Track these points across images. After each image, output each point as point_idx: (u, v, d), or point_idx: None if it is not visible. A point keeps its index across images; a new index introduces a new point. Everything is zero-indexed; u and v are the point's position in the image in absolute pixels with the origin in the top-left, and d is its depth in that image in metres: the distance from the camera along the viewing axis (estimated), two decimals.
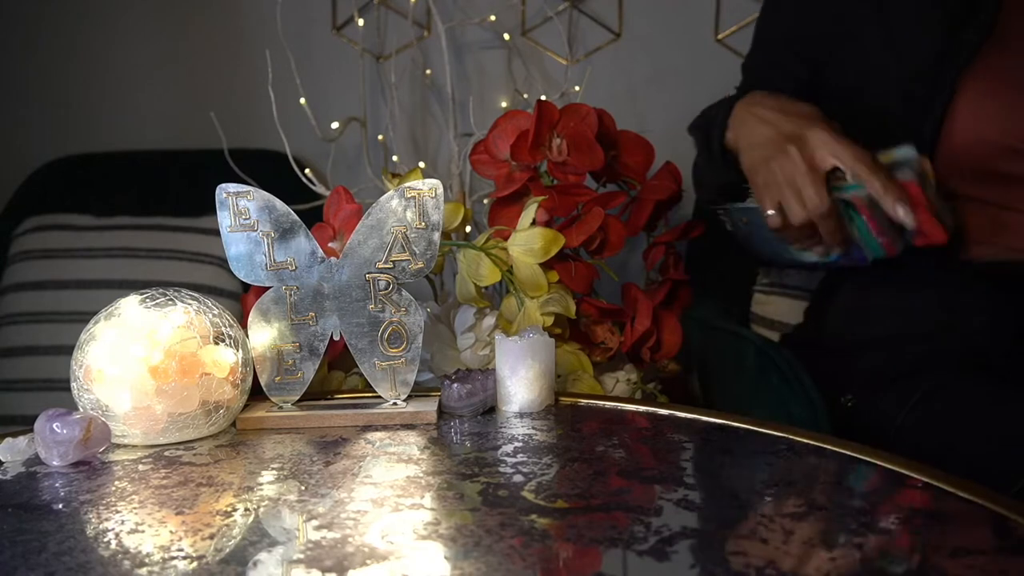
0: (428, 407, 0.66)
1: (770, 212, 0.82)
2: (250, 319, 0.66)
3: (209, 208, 0.70)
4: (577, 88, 1.30)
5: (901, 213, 0.76)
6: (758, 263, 1.06)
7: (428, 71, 1.41)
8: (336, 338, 0.67)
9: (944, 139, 0.84)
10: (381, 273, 0.67)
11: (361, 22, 1.37)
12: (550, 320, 0.80)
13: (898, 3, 0.88)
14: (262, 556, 0.42)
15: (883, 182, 0.76)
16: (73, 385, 0.61)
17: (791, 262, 0.89)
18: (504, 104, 1.38)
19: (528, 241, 0.79)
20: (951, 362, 0.83)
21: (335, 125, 1.32)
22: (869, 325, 0.89)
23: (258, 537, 0.44)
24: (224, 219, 0.65)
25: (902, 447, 0.78)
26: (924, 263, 0.84)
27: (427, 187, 0.66)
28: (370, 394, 0.71)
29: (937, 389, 0.82)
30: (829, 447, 0.57)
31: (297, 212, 0.66)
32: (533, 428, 0.63)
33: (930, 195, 0.79)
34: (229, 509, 0.48)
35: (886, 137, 0.84)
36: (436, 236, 0.67)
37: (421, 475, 0.53)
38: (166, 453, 0.59)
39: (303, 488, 0.51)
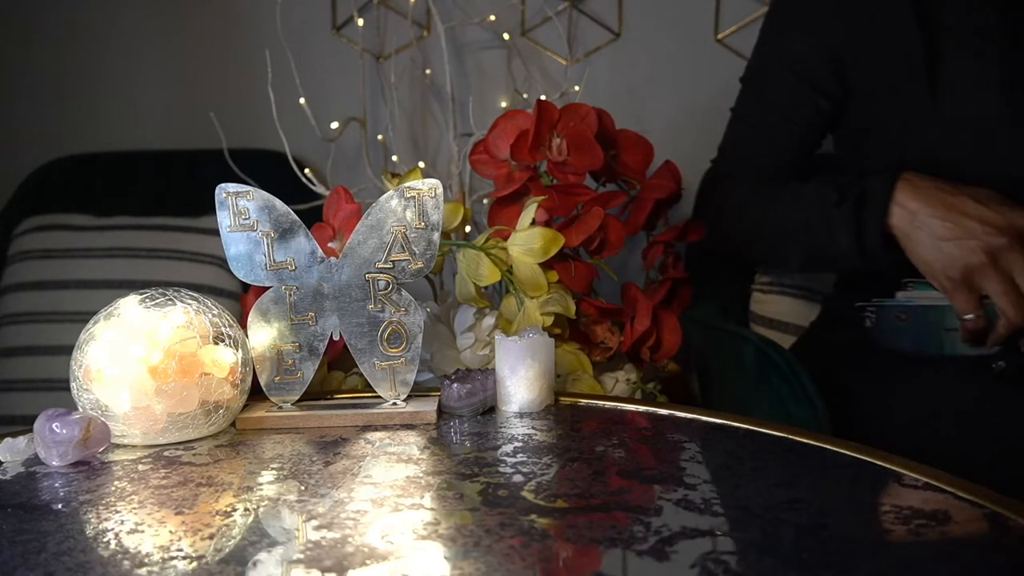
0: (428, 407, 0.66)
1: (968, 316, 0.75)
2: (250, 319, 0.66)
3: (209, 208, 0.70)
4: (577, 88, 1.30)
5: None
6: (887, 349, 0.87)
7: (428, 71, 1.41)
8: (336, 338, 0.67)
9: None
10: (381, 273, 0.67)
11: (361, 22, 1.37)
12: (550, 320, 0.80)
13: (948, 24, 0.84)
14: (262, 556, 0.42)
15: None
16: (73, 385, 0.61)
17: (945, 356, 0.81)
18: (504, 104, 1.38)
19: (528, 241, 0.79)
20: (955, 362, 0.82)
21: (335, 125, 1.32)
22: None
23: (258, 537, 0.44)
24: (224, 219, 0.65)
25: (902, 446, 0.77)
26: None
27: (427, 187, 0.66)
28: (370, 394, 0.71)
29: (940, 390, 0.82)
30: (829, 447, 0.57)
31: (297, 212, 0.66)
32: (533, 428, 0.63)
33: None
34: (229, 509, 0.48)
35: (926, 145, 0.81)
36: (436, 236, 0.67)
37: (421, 475, 0.53)
38: (166, 453, 0.59)
39: (303, 488, 0.51)
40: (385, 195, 0.67)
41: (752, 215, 0.95)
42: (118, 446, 0.61)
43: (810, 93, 0.93)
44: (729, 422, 0.63)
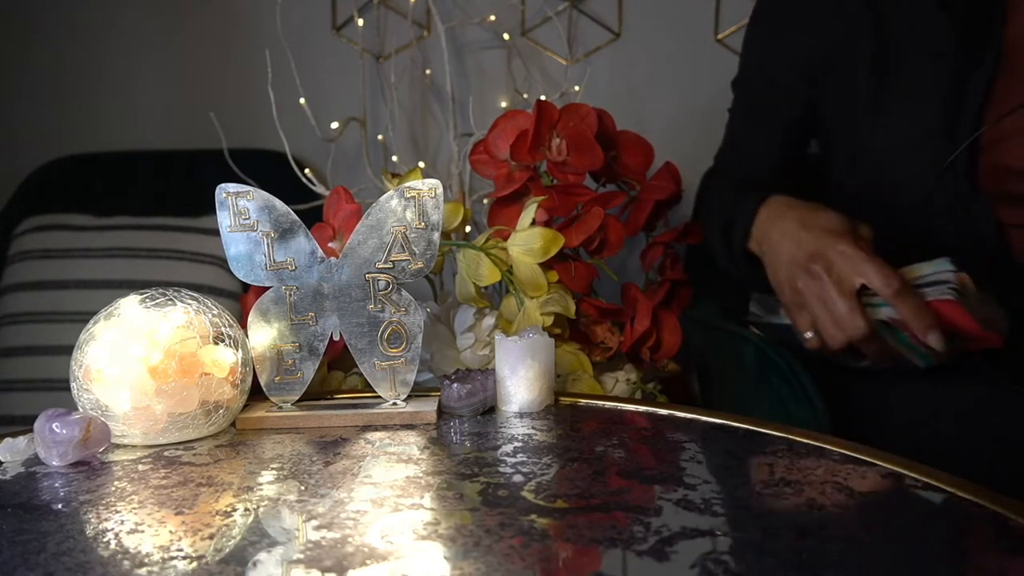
0: (428, 407, 0.66)
1: (807, 335, 0.78)
2: (250, 319, 0.66)
3: (209, 208, 0.70)
4: (577, 88, 1.30)
5: (932, 340, 0.70)
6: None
7: (428, 71, 1.41)
8: (336, 338, 0.67)
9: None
10: (381, 273, 0.67)
11: (361, 22, 1.37)
12: (550, 320, 0.80)
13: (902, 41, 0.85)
14: (262, 556, 0.42)
15: (913, 308, 0.71)
16: (73, 385, 0.61)
17: (840, 365, 0.83)
18: (504, 104, 1.38)
19: (528, 241, 0.79)
20: (957, 364, 0.82)
21: (335, 125, 1.32)
22: None
23: (258, 537, 0.44)
24: (224, 219, 0.65)
25: (902, 446, 0.77)
26: None
27: (427, 187, 0.66)
28: (370, 394, 0.71)
29: (939, 390, 0.82)
30: (829, 447, 0.57)
31: (297, 212, 0.66)
32: (533, 428, 0.63)
33: (972, 308, 0.73)
34: (229, 509, 0.48)
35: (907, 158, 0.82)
36: (436, 236, 0.67)
37: (421, 475, 0.53)
38: (166, 453, 0.59)
39: (303, 488, 0.51)
40: (385, 195, 0.66)
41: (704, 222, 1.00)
42: (118, 446, 0.61)
43: (788, 99, 0.95)
44: (729, 422, 0.63)
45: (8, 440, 0.58)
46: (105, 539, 0.44)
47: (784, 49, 0.95)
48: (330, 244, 0.80)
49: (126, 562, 0.42)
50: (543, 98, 1.05)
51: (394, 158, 1.39)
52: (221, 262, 1.27)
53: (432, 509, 0.48)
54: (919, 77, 0.83)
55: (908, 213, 0.81)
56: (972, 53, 0.81)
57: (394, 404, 0.67)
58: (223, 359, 0.62)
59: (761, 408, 0.88)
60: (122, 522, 0.47)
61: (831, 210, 0.79)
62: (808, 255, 0.76)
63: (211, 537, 0.44)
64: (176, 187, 1.41)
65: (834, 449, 0.57)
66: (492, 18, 1.36)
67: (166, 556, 0.42)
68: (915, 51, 0.84)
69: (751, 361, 0.90)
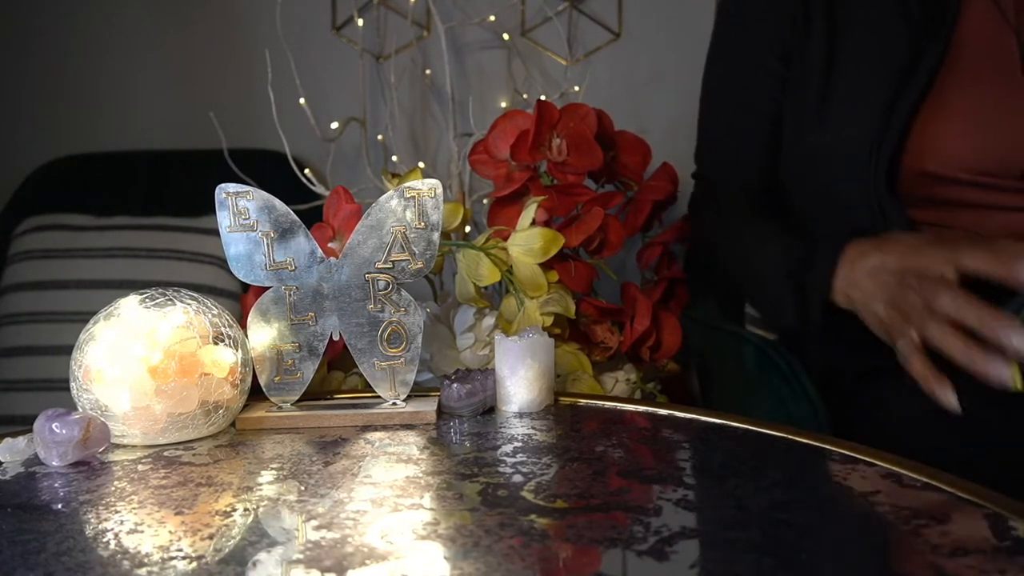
0: (428, 407, 0.66)
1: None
2: (250, 319, 0.66)
3: (209, 208, 0.70)
4: (577, 88, 1.30)
5: None
6: None
7: (428, 71, 1.41)
8: (336, 338, 0.67)
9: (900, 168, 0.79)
10: (381, 273, 0.67)
11: (361, 22, 1.37)
12: (550, 320, 0.80)
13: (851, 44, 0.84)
14: (262, 556, 0.42)
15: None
16: (72, 385, 0.61)
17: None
18: (504, 104, 1.38)
19: (528, 241, 0.79)
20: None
21: (335, 125, 1.32)
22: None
23: (257, 537, 0.44)
24: (224, 219, 0.65)
25: (902, 446, 0.77)
26: None
27: (427, 187, 0.66)
28: (370, 394, 0.71)
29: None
30: (829, 447, 0.57)
31: (297, 212, 0.66)
32: (533, 428, 0.63)
33: None
34: (228, 509, 0.48)
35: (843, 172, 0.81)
36: (435, 236, 0.67)
37: (421, 475, 0.53)
38: (165, 453, 0.59)
39: (302, 488, 0.51)
40: (385, 195, 0.67)
41: (726, 261, 0.94)
42: (118, 446, 0.61)
43: (768, 81, 0.91)
44: (729, 422, 0.63)
45: (8, 440, 0.58)
46: (105, 539, 0.44)
47: (761, 28, 0.92)
48: (330, 244, 0.80)
49: (126, 562, 0.42)
50: (543, 98, 1.05)
51: (394, 158, 1.39)
52: (221, 262, 1.27)
53: (432, 509, 0.48)
54: (866, 75, 0.82)
55: (840, 213, 0.80)
56: (921, 52, 0.80)
57: (394, 404, 0.67)
58: (223, 359, 0.62)
59: (761, 408, 0.88)
60: (122, 522, 0.47)
61: (907, 232, 0.72)
62: (896, 273, 0.68)
63: (211, 537, 0.44)
64: (176, 187, 1.41)
65: (834, 449, 0.57)
66: (492, 18, 1.36)
67: (166, 556, 0.42)
68: (866, 47, 0.83)
69: (751, 361, 0.90)
